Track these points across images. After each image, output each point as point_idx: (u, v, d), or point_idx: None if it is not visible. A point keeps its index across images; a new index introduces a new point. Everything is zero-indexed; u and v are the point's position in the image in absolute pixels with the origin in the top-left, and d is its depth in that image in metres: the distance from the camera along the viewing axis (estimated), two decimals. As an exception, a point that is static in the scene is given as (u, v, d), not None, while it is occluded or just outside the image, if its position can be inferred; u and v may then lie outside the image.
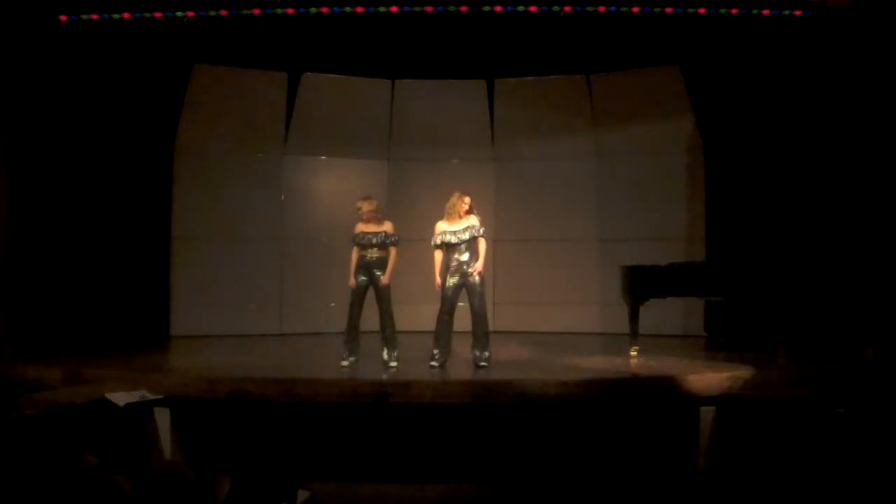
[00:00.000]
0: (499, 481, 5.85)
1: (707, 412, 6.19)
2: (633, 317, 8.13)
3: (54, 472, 3.31)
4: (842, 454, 4.45)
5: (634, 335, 8.07)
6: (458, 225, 7.23)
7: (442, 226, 7.27)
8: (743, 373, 6.68)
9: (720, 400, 6.28)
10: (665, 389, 6.44)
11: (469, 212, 7.28)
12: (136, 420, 5.89)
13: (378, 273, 7.47)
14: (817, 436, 5.25)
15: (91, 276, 8.92)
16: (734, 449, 5.94)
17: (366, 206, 7.61)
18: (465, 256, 7.21)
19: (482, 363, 7.26)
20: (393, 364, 7.42)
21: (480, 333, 7.32)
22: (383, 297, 7.56)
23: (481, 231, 7.28)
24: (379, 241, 7.48)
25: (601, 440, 6.18)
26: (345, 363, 7.43)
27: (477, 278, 7.24)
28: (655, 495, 3.39)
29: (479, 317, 7.30)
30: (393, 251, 7.52)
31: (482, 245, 7.27)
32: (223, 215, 10.28)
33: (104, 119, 9.11)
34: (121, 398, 5.80)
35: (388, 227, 7.53)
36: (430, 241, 7.32)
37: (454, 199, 7.30)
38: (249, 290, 10.40)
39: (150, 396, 6.03)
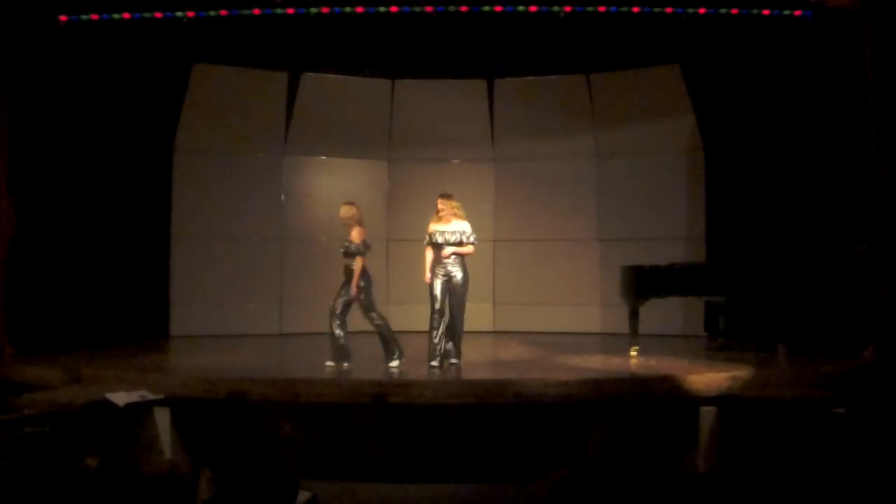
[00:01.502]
0: (499, 481, 5.85)
1: (707, 412, 6.19)
2: (633, 317, 8.13)
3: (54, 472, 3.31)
4: (842, 454, 4.45)
5: (634, 335, 8.07)
6: (447, 226, 7.35)
7: (432, 226, 7.39)
8: (743, 373, 6.68)
9: (720, 400, 6.28)
10: (665, 389, 6.44)
11: (454, 213, 7.38)
12: (136, 420, 5.89)
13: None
14: (817, 436, 5.25)
15: (91, 275, 8.92)
16: (734, 449, 5.94)
17: (341, 213, 7.55)
18: (450, 259, 7.31)
19: (453, 360, 7.34)
20: (392, 365, 7.37)
21: (458, 332, 7.41)
22: (359, 306, 7.42)
23: (471, 238, 7.38)
24: (345, 249, 7.39)
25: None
26: (329, 363, 7.34)
27: (459, 278, 7.31)
28: (655, 495, 3.39)
29: (455, 318, 7.37)
30: (357, 261, 7.32)
31: (467, 248, 7.36)
32: (223, 215, 10.28)
33: (104, 119, 9.11)
34: (121, 398, 5.79)
35: (353, 234, 7.40)
36: (426, 238, 7.43)
37: (439, 200, 7.43)
38: (249, 290, 10.41)
39: (150, 396, 6.02)
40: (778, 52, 8.91)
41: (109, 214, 9.21)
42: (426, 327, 7.97)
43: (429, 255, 7.41)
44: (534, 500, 3.41)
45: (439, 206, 7.40)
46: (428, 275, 7.35)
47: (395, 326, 10.61)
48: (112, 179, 9.24)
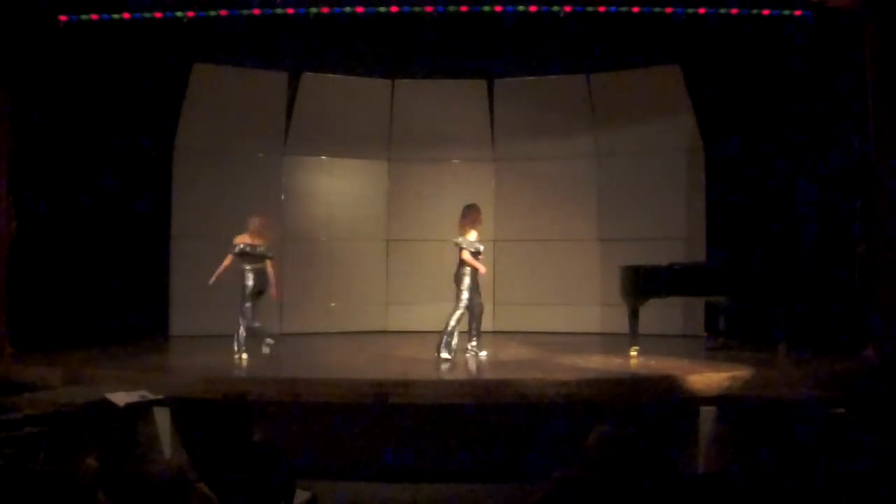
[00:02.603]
0: (499, 481, 5.85)
1: (707, 412, 6.18)
2: (633, 317, 8.12)
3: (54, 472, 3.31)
4: (842, 454, 4.45)
5: (634, 335, 8.07)
6: (476, 235, 7.96)
7: (474, 234, 7.91)
8: (743, 373, 6.68)
9: (720, 400, 6.28)
10: (665, 389, 6.44)
11: None
12: (136, 420, 5.89)
13: None
14: (817, 436, 5.25)
15: (91, 276, 8.93)
16: (734, 449, 5.94)
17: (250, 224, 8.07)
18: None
19: (483, 353, 7.94)
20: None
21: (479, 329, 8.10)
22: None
23: None
24: None
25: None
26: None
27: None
28: (655, 496, 3.39)
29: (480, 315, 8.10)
30: (227, 258, 8.00)
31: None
32: (223, 215, 10.25)
33: (104, 119, 9.11)
34: (121, 398, 5.79)
35: (237, 237, 8.04)
36: (464, 245, 7.86)
37: (480, 213, 8.04)
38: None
39: (150, 396, 6.02)
40: (778, 52, 8.91)
41: (109, 214, 9.22)
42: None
43: (471, 258, 7.88)
44: (534, 500, 3.41)
45: (481, 218, 8.07)
46: (483, 268, 7.96)
47: (394, 327, 10.76)
48: (112, 179, 9.24)
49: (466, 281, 7.79)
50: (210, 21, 8.78)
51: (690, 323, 9.96)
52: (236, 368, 7.55)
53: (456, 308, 7.80)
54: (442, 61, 10.48)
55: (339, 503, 5.55)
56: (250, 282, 7.85)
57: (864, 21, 7.65)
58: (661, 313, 8.84)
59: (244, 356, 7.80)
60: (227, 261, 7.94)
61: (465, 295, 7.79)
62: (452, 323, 7.74)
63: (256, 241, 7.93)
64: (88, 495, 3.16)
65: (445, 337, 7.67)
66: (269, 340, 8.08)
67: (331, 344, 9.65)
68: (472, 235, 7.88)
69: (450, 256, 10.29)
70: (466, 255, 7.81)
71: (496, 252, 10.98)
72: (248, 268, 7.87)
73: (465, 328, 8.09)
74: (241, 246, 7.89)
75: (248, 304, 7.85)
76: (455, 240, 7.89)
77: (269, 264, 7.98)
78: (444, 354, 7.63)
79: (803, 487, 3.58)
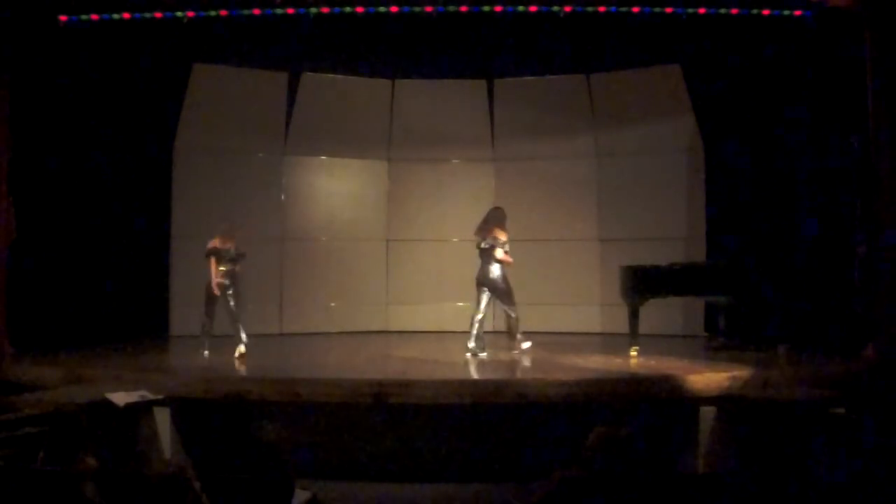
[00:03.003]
0: (499, 481, 5.85)
1: (707, 412, 6.18)
2: (633, 317, 8.12)
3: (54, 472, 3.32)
4: (842, 454, 4.45)
5: (634, 335, 8.07)
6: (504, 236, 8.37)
7: (504, 235, 8.32)
8: (743, 373, 6.67)
9: (720, 400, 6.28)
10: (665, 389, 6.44)
11: None
12: (136, 420, 5.89)
13: None
14: (817, 436, 5.25)
15: (91, 276, 8.93)
16: (734, 449, 5.94)
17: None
18: None
19: (483, 353, 8.11)
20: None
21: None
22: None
23: None
24: None
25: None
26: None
27: None
28: (655, 495, 3.39)
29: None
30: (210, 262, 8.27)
31: None
32: (223, 215, 10.25)
33: (104, 119, 9.11)
34: (121, 398, 5.79)
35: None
36: (505, 246, 8.36)
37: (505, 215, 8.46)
38: (249, 290, 10.37)
39: (150, 396, 6.02)
40: (778, 52, 8.90)
41: (109, 214, 9.21)
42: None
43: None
44: (534, 500, 3.41)
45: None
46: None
47: (394, 327, 10.76)
48: (112, 179, 9.24)
49: (508, 280, 8.23)
50: (210, 21, 8.79)
51: (690, 323, 9.95)
52: (236, 368, 7.55)
53: (513, 306, 8.24)
54: (442, 61, 10.48)
55: (339, 503, 5.55)
56: (220, 281, 8.21)
57: (864, 21, 7.65)
58: (661, 313, 8.84)
59: (242, 351, 7.95)
60: (214, 265, 8.19)
61: (512, 294, 8.21)
62: (516, 316, 8.23)
63: (226, 245, 8.24)
64: (86, 495, 3.16)
65: (518, 334, 8.21)
66: (204, 345, 8.23)
67: (331, 344, 9.65)
68: (502, 237, 8.24)
69: (450, 256, 10.35)
70: (500, 254, 8.19)
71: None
72: (221, 269, 8.21)
73: (468, 328, 8.10)
74: (213, 248, 8.23)
75: (211, 304, 8.26)
76: (499, 241, 8.25)
77: (238, 266, 8.30)
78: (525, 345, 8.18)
79: (803, 487, 3.58)
